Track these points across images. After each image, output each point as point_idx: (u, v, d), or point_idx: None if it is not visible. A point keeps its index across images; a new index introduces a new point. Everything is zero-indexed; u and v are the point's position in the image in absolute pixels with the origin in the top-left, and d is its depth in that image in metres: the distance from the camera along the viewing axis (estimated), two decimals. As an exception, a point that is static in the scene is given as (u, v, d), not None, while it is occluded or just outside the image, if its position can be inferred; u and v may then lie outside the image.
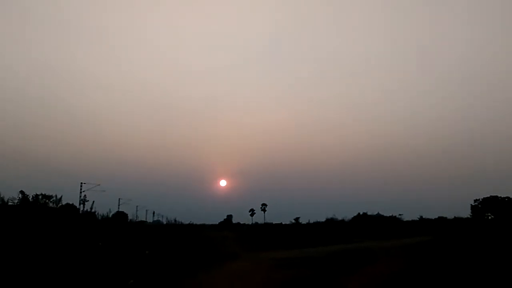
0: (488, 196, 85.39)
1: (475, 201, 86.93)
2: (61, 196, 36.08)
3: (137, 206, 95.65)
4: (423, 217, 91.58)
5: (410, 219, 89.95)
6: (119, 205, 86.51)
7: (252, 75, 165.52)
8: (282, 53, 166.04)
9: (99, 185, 67.01)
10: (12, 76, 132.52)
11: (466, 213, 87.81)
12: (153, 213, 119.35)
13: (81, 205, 48.94)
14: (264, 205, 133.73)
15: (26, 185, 74.67)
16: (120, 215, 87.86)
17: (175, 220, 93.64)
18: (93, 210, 31.43)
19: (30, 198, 35.48)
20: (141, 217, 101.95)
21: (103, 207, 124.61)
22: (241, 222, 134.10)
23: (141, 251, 22.85)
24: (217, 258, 22.13)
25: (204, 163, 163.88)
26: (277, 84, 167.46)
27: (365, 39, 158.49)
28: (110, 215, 39.99)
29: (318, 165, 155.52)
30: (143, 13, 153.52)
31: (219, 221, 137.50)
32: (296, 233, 46.63)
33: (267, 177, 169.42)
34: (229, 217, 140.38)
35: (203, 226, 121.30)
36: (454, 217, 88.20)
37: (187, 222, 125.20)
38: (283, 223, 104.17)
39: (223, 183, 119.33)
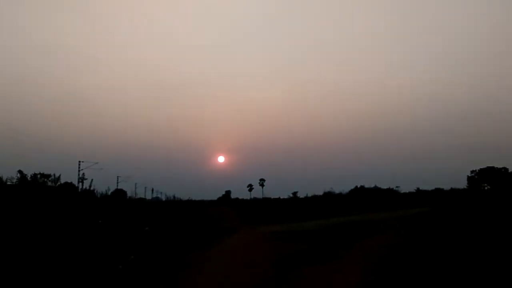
0: (485, 167, 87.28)
1: (471, 172, 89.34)
2: (60, 175, 35.90)
3: (136, 184, 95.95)
4: (420, 189, 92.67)
5: (407, 191, 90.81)
6: (117, 182, 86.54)
7: (249, 52, 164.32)
8: (280, 29, 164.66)
9: (97, 163, 66.93)
10: (9, 56, 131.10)
11: (463, 184, 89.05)
12: (152, 190, 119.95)
13: (80, 184, 48.89)
14: (262, 180, 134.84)
15: (25, 164, 74.50)
16: (119, 193, 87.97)
17: (174, 197, 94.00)
18: (92, 188, 31.51)
19: (28, 178, 35.35)
20: (140, 194, 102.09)
21: (102, 185, 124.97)
22: (240, 198, 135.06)
23: (141, 228, 22.96)
24: (216, 233, 22.32)
25: (202, 140, 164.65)
26: (274, 60, 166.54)
27: (366, 11, 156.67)
28: (109, 192, 40.19)
29: (315, 139, 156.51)
30: None
31: (218, 197, 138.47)
32: (294, 207, 46.99)
33: (265, 152, 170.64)
34: (228, 192, 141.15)
35: (201, 202, 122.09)
36: (451, 188, 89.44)
37: (186, 198, 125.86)
38: (281, 197, 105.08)
39: (221, 159, 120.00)
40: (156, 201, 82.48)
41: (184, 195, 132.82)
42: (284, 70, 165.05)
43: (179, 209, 38.31)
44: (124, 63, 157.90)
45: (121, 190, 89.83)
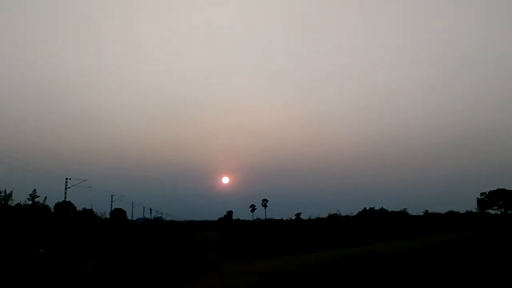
0: (495, 189, 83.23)
1: (481, 194, 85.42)
2: (11, 192, 30.26)
3: (132, 203, 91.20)
4: (428, 211, 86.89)
5: (415, 214, 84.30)
6: (112, 202, 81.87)
7: (253, 74, 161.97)
8: (282, 53, 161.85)
9: (85, 180, 62.23)
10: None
11: (471, 206, 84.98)
12: (150, 210, 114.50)
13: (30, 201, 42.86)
14: (265, 200, 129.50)
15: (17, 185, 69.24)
16: (118, 212, 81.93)
17: (161, 217, 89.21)
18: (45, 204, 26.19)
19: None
20: (138, 215, 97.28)
21: (99, 205, 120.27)
22: (241, 218, 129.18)
23: (82, 262, 16.96)
24: (183, 271, 16.15)
25: (206, 160, 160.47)
26: (279, 81, 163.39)
27: (372, 35, 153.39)
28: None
29: (319, 161, 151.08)
30: (149, 16, 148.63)
31: (219, 218, 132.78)
32: (295, 233, 40.24)
33: (269, 173, 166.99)
34: (230, 213, 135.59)
35: (193, 223, 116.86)
36: (466, 211, 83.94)
37: (179, 219, 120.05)
38: (284, 218, 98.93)
39: (225, 180, 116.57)
40: (138, 223, 76.88)
41: (185, 216, 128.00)
42: (289, 91, 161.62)
43: (155, 233, 32.08)
44: (126, 82, 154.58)
45: (120, 209, 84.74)
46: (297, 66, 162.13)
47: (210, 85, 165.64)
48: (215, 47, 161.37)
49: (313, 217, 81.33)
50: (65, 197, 60.84)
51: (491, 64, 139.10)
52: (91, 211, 55.11)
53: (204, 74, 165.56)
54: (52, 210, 49.60)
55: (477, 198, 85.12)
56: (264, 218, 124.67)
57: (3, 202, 29.24)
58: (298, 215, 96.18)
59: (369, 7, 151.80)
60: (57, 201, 58.91)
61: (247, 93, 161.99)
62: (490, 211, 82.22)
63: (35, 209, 26.99)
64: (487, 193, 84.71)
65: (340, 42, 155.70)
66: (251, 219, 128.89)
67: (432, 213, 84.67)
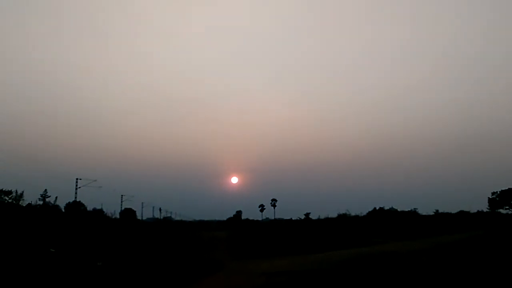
0: (506, 188, 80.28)
1: (492, 193, 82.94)
2: (22, 192, 30.59)
3: (142, 203, 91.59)
4: (439, 211, 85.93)
5: (425, 213, 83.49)
6: (121, 202, 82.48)
7: (260, 73, 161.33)
8: (294, 53, 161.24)
9: (95, 181, 62.57)
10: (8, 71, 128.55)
11: (482, 206, 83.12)
12: (160, 209, 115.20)
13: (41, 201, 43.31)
14: (274, 200, 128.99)
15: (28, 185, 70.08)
16: (127, 212, 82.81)
17: (170, 217, 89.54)
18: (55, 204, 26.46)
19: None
20: (148, 215, 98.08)
21: (109, 205, 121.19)
22: (250, 218, 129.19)
23: (93, 262, 17.12)
24: (191, 270, 16.22)
25: (215, 159, 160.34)
26: (289, 82, 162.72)
27: (377, 36, 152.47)
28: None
29: (329, 160, 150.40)
30: (153, 13, 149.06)
31: (228, 217, 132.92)
32: (303, 233, 40.16)
33: (278, 173, 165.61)
34: (239, 213, 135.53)
35: (203, 223, 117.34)
36: (477, 211, 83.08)
37: (188, 219, 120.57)
38: (293, 218, 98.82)
39: (234, 179, 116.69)
40: (148, 222, 77.16)
41: (195, 216, 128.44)
42: (296, 91, 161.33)
43: (163, 233, 32.20)
44: (132, 83, 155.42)
45: (130, 209, 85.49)
46: (304, 65, 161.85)
47: (216, 84, 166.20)
48: (228, 47, 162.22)
49: (322, 217, 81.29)
50: (76, 197, 61.32)
51: (496, 60, 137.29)
52: (101, 211, 55.45)
53: (209, 74, 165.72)
54: (63, 210, 50.08)
55: (488, 198, 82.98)
56: (273, 218, 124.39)
57: (14, 202, 29.65)
58: (307, 215, 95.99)
59: (371, 8, 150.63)
60: (67, 201, 59.46)
61: (255, 92, 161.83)
62: (501, 210, 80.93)
63: (46, 209, 27.36)
64: (498, 192, 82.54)
65: (346, 41, 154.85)
66: (260, 219, 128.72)
67: (442, 213, 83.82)
